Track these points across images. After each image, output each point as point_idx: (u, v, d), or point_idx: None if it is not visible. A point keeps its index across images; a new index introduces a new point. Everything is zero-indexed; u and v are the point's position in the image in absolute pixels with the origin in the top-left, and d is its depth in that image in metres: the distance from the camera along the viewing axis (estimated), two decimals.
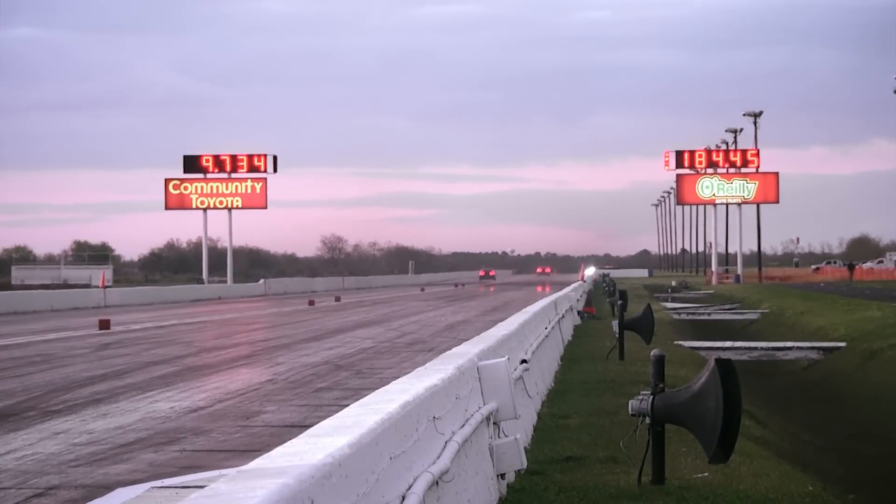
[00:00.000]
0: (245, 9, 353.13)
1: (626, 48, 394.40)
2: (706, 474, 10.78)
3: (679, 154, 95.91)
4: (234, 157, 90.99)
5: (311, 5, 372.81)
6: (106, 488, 10.77)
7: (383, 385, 8.01)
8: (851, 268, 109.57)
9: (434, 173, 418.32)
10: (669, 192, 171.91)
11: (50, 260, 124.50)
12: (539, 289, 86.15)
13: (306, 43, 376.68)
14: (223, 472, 10.29)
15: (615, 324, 24.65)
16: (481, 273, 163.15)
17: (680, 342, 33.84)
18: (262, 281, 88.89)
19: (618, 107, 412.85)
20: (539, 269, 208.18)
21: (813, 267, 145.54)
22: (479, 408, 9.05)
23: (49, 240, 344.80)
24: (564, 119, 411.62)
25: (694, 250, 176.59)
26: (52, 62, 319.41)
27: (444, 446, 7.39)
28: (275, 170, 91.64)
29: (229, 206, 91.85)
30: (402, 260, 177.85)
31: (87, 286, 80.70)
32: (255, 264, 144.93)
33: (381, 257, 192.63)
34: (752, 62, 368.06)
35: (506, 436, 9.55)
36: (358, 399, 7.35)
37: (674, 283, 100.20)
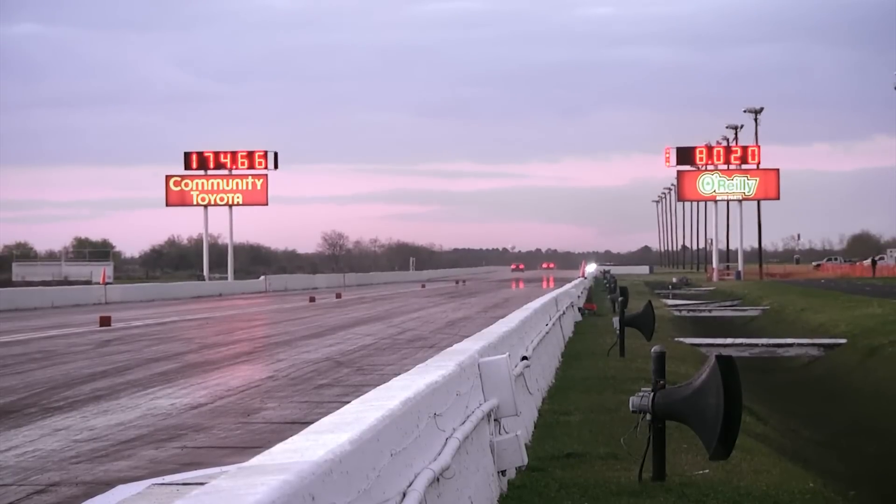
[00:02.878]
0: (248, 6, 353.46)
1: (627, 45, 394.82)
2: (707, 471, 10.77)
3: (680, 150, 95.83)
4: (234, 154, 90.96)
5: (313, 2, 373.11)
6: (107, 485, 10.77)
7: (384, 382, 8.01)
8: (874, 263, 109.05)
9: (435, 170, 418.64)
10: (670, 189, 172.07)
11: (51, 256, 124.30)
12: (544, 285, 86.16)
13: (308, 39, 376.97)
14: (224, 468, 10.29)
15: (616, 320, 24.65)
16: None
17: (681, 339, 33.86)
18: (262, 277, 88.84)
19: (619, 103, 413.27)
20: (544, 265, 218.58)
21: (814, 263, 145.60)
22: (480, 404, 9.05)
23: (50, 236, 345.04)
24: (566, 115, 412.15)
25: (695, 247, 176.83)
26: (55, 59, 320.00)
27: (445, 443, 7.38)
28: (275, 166, 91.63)
29: (230, 202, 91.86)
30: (403, 256, 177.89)
31: (88, 283, 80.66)
32: (256, 261, 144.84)
33: (381, 254, 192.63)
34: (754, 59, 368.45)
35: (507, 432, 9.55)
36: (359, 396, 7.34)
37: (674, 280, 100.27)
